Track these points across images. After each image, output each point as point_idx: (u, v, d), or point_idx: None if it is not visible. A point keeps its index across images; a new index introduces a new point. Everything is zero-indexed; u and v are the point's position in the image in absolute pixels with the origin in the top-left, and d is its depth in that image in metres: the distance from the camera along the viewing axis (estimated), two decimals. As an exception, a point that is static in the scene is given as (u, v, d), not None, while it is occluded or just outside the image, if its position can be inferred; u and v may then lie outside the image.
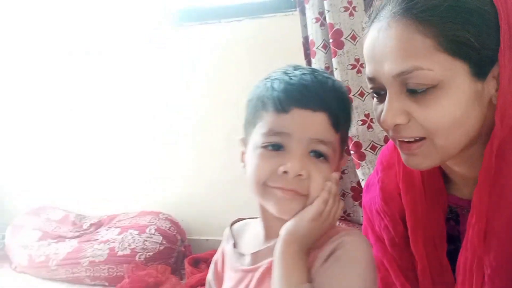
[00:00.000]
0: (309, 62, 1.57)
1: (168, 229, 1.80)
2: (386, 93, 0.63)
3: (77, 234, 1.88)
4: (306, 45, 1.57)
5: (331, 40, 1.44)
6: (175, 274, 1.69)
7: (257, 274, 0.66)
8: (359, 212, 1.62)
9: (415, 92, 0.59)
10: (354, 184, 1.60)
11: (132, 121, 2.06)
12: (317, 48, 1.50)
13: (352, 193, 1.61)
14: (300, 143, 0.61)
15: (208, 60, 1.89)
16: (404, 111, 0.60)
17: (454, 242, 0.73)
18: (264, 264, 0.66)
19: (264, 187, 0.63)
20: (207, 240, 1.92)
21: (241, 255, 0.71)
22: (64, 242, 1.83)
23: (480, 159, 0.63)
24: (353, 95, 1.44)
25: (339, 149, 0.66)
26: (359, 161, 1.47)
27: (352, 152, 1.48)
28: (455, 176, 0.72)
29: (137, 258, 1.67)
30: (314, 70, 0.66)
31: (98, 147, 2.11)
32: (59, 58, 2.04)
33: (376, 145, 1.45)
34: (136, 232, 1.75)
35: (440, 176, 0.73)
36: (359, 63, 1.44)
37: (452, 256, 0.71)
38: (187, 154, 1.99)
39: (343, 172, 1.61)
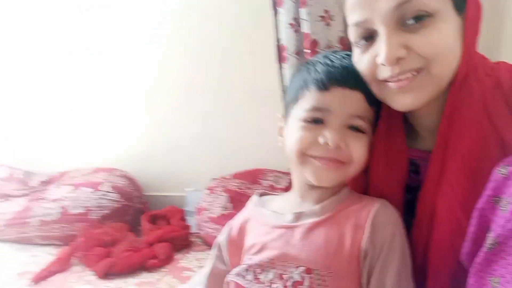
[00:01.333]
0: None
1: (124, 186, 1.73)
2: (374, 38, 0.64)
3: (25, 192, 1.77)
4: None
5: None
6: (133, 231, 1.64)
7: (301, 230, 0.70)
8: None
9: (410, 25, 0.61)
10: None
11: (85, 73, 1.92)
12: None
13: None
14: (340, 118, 0.69)
15: (167, 16, 1.78)
16: (403, 45, 0.62)
17: (412, 191, 0.76)
18: (307, 223, 0.71)
19: (304, 156, 0.70)
20: (165, 196, 1.88)
21: (280, 214, 0.75)
22: (11, 201, 1.72)
23: (442, 109, 0.68)
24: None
25: (373, 123, 0.73)
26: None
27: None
28: (420, 128, 0.76)
29: (91, 217, 1.61)
30: (350, 55, 0.72)
31: (47, 99, 1.97)
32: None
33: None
34: (90, 189, 1.67)
35: (403, 131, 0.77)
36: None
37: (412, 206, 0.74)
38: (143, 109, 1.90)
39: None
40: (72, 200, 1.64)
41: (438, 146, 0.68)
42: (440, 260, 0.66)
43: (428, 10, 0.60)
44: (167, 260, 1.45)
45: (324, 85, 0.69)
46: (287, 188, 1.60)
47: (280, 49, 1.51)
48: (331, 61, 0.72)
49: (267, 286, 0.68)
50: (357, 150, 0.70)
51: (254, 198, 0.84)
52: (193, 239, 1.60)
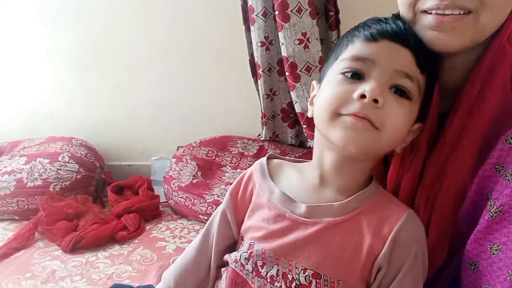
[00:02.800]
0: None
1: (85, 156, 1.63)
2: None
3: (-28, 164, 1.62)
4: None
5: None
6: (97, 203, 1.57)
7: (315, 229, 0.62)
8: (287, 133, 1.64)
9: None
10: (284, 106, 1.58)
11: (42, 36, 1.75)
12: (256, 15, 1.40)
13: (281, 115, 1.60)
14: (384, 72, 0.60)
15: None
16: None
17: None
18: (323, 222, 0.62)
19: (334, 115, 0.60)
20: (129, 165, 1.81)
21: (292, 201, 0.66)
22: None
23: (468, 69, 0.64)
24: (291, 11, 1.36)
25: (424, 95, 0.63)
26: (294, 83, 1.43)
27: (287, 73, 1.43)
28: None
29: (51, 189, 1.51)
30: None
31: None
32: None
33: (311, 66, 1.41)
34: (47, 160, 1.56)
35: None
36: None
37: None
38: (100, 75, 1.77)
39: (274, 94, 1.57)
40: (27, 172, 1.53)
41: (461, 108, 0.64)
42: (441, 223, 0.67)
43: None
44: (137, 231, 1.41)
45: (372, 36, 0.61)
46: (257, 155, 1.62)
47: (246, 10, 1.47)
48: (386, 19, 0.65)
49: (269, 282, 0.62)
50: (395, 116, 0.59)
51: (261, 165, 0.72)
52: (162, 208, 1.56)
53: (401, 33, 0.62)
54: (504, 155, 0.58)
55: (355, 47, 0.63)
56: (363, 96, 0.58)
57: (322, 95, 0.64)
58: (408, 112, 0.62)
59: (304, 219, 0.63)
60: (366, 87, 0.58)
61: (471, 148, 0.64)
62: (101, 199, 1.61)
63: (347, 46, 0.64)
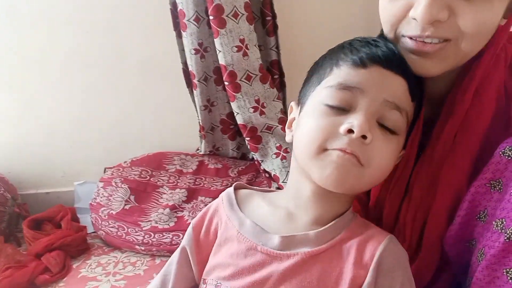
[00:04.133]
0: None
1: (-8, 187, 1.39)
2: None
3: None
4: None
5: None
6: (11, 242, 1.34)
7: (290, 262, 0.57)
8: (229, 146, 1.53)
9: None
10: (224, 117, 1.47)
11: None
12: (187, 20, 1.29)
13: (221, 126, 1.49)
14: (373, 102, 0.55)
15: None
16: (448, 6, 0.53)
17: None
18: (299, 253, 0.57)
19: (319, 150, 0.56)
20: (47, 193, 1.57)
21: (264, 232, 0.60)
22: None
23: (452, 78, 0.63)
24: (226, 16, 1.25)
25: (408, 125, 0.60)
26: (234, 93, 1.32)
27: (226, 82, 1.32)
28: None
29: (-51, 231, 1.26)
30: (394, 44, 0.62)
31: None
32: None
33: (251, 74, 1.32)
34: None
35: None
36: None
37: None
38: (7, 90, 1.53)
39: (212, 105, 1.45)
40: None
41: (453, 117, 0.62)
42: (435, 231, 0.63)
43: None
44: (62, 271, 1.21)
45: (361, 61, 0.56)
46: (197, 171, 1.50)
47: (176, 14, 1.35)
48: (373, 40, 0.60)
49: None
50: (382, 153, 0.56)
51: (228, 195, 0.68)
52: (90, 241, 1.37)
53: (394, 58, 0.58)
54: (501, 169, 0.54)
55: (341, 73, 0.58)
56: (350, 131, 0.54)
57: (305, 126, 0.59)
58: (395, 147, 0.59)
59: (278, 251, 0.58)
60: (354, 121, 0.54)
61: (468, 155, 0.61)
62: (15, 236, 1.38)
63: (331, 70, 0.59)
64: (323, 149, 0.56)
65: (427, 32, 0.55)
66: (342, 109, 0.57)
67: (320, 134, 0.56)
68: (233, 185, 0.69)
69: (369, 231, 0.60)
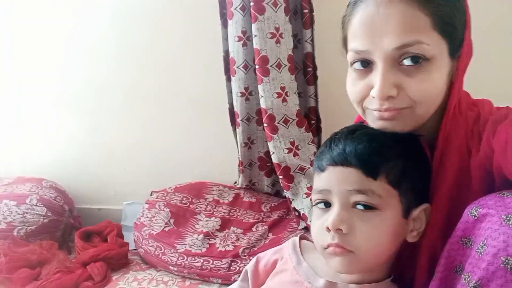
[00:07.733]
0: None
1: (54, 199, 1.58)
2: (371, 67, 0.66)
3: None
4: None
5: (251, 4, 1.35)
6: (63, 248, 1.51)
7: None
8: (264, 182, 1.63)
9: (407, 66, 0.63)
10: (262, 155, 1.59)
11: (6, 69, 1.72)
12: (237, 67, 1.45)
13: (259, 163, 1.60)
14: (340, 195, 0.65)
15: (105, 15, 1.66)
16: (396, 84, 0.64)
17: None
18: None
19: (321, 248, 0.67)
20: (99, 209, 1.75)
21: (314, 274, 0.72)
22: None
23: (429, 130, 0.71)
24: (270, 66, 1.39)
25: (403, 184, 0.66)
26: (271, 134, 1.44)
27: (265, 124, 1.45)
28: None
29: (15, 233, 1.45)
30: (382, 133, 0.68)
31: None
32: None
33: (288, 119, 1.43)
34: (14, 202, 1.50)
35: None
36: (279, 32, 1.39)
37: None
38: (77, 114, 1.75)
39: (252, 143, 1.58)
40: (-9, 215, 1.47)
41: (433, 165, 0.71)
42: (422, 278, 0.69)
43: (426, 55, 0.62)
44: (103, 281, 1.35)
45: (320, 167, 0.69)
46: (233, 203, 1.60)
47: (228, 61, 1.49)
48: (336, 145, 0.68)
49: None
50: (365, 234, 0.63)
51: (293, 242, 0.80)
52: (131, 257, 1.51)
53: (345, 156, 0.66)
54: (470, 228, 0.59)
55: (315, 179, 0.70)
56: (328, 228, 0.64)
57: (312, 225, 0.72)
58: (378, 222, 0.64)
59: None
60: (329, 219, 0.64)
61: (440, 214, 0.68)
62: (67, 244, 1.55)
63: (314, 173, 0.72)
64: (323, 247, 0.67)
65: (385, 105, 0.65)
66: (327, 207, 0.67)
67: (316, 236, 0.68)
68: (299, 235, 0.81)
69: None
